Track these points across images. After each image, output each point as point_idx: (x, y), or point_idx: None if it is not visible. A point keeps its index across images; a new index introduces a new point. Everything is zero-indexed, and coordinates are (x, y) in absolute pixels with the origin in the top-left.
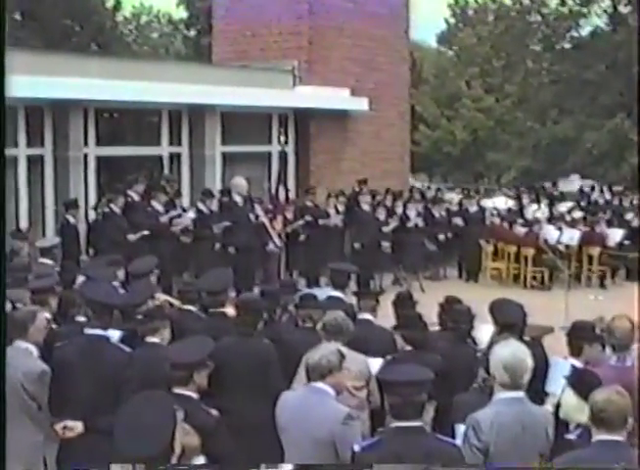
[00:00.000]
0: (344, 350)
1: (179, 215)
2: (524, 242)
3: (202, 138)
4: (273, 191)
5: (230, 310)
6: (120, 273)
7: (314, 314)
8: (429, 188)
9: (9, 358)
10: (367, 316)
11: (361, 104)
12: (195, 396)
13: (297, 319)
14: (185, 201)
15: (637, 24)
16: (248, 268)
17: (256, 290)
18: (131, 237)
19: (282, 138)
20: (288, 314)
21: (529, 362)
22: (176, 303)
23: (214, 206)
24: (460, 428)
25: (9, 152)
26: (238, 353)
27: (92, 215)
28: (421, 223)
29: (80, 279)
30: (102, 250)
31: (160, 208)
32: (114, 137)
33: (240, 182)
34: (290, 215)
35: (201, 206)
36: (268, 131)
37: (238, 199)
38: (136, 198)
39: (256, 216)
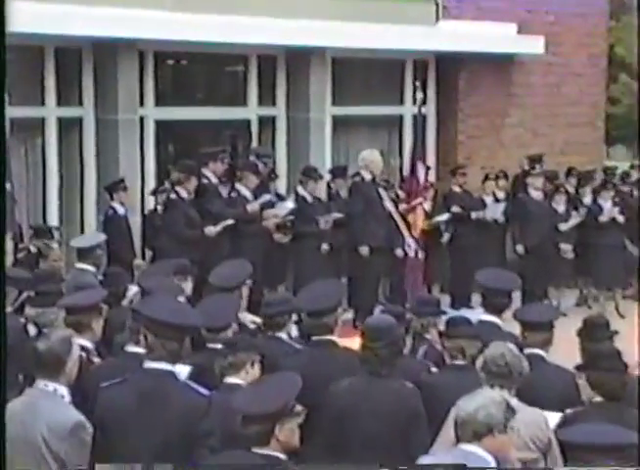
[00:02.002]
0: (514, 401)
1: (273, 204)
2: None
3: (305, 95)
4: (406, 171)
5: (353, 340)
6: (188, 285)
7: (467, 347)
8: (632, 168)
9: (27, 404)
10: (538, 352)
11: (533, 45)
12: (282, 456)
13: (443, 353)
14: (281, 184)
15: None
16: (369, 279)
17: (378, 310)
18: (210, 230)
19: (418, 95)
20: (426, 345)
21: None
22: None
23: (320, 191)
24: None
25: (36, 112)
26: (365, 401)
27: (150, 203)
28: (620, 218)
29: (133, 292)
30: (164, 251)
31: (247, 193)
32: (182, 94)
33: (372, 156)
34: (428, 206)
35: (302, 191)
36: (399, 86)
37: (367, 178)
38: (213, 180)
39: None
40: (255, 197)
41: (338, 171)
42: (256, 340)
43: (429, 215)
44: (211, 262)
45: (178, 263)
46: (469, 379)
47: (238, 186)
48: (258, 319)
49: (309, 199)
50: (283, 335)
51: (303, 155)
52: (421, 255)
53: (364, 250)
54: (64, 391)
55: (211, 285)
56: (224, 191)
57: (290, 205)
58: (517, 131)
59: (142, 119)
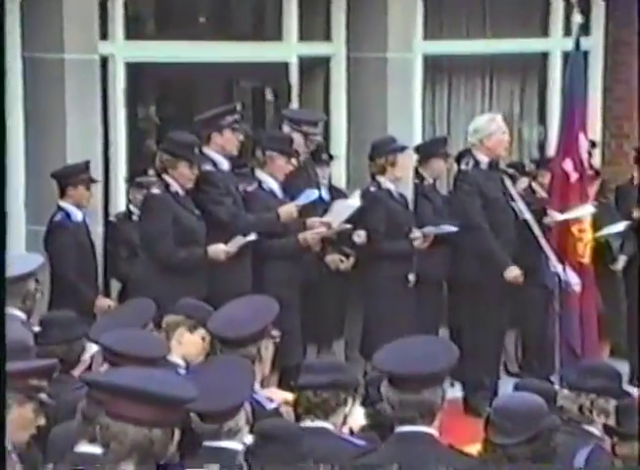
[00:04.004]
0: None
1: (324, 207)
2: None
3: (378, 25)
4: (553, 150)
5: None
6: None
7: None
8: None
9: None
10: None
11: None
12: None
13: (615, 462)
14: (338, 171)
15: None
16: (488, 332)
17: (508, 383)
18: (217, 250)
19: (575, 19)
20: (591, 445)
21: None
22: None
23: (407, 182)
24: None
25: None
26: None
27: (119, 203)
28: None
29: (91, 353)
30: (141, 283)
31: (276, 187)
32: (171, 21)
33: (493, 125)
34: (591, 208)
35: (379, 182)
36: (539, 6)
37: (483, 161)
38: (223, 164)
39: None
40: (290, 195)
41: (431, 148)
42: (292, 434)
43: (595, 225)
44: (219, 302)
45: (142, 303)
46: None
47: (261, 175)
48: (290, 396)
49: (394, 195)
50: (329, 425)
51: (376, 120)
52: (580, 289)
53: (478, 282)
54: None
55: (214, 338)
56: (240, 184)
57: (353, 204)
58: None
59: (104, 60)
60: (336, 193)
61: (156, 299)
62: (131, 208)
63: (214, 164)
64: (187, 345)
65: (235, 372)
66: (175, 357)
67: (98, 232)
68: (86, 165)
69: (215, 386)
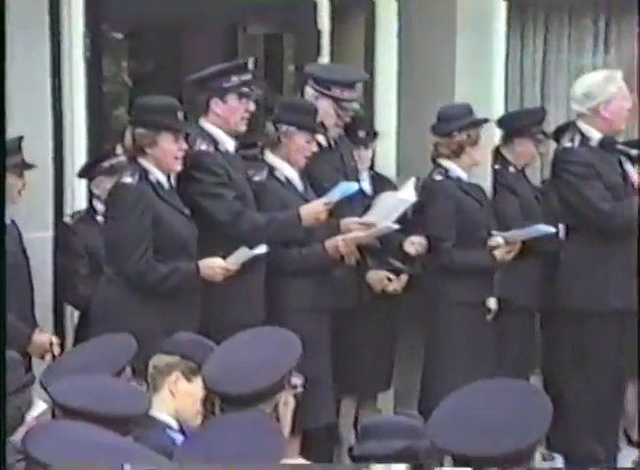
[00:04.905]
0: None
1: (361, 194)
2: None
3: None
4: None
5: None
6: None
7: None
8: None
9: None
10: None
11: None
12: None
13: None
14: (385, 152)
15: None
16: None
17: None
18: (212, 265)
19: None
20: None
21: None
22: None
23: (486, 168)
24: None
25: None
26: None
27: (77, 200)
28: None
29: (37, 414)
30: (109, 309)
31: (294, 175)
32: None
33: (610, 87)
34: None
35: (446, 168)
36: None
37: (594, 138)
38: (227, 143)
39: None
40: (315, 187)
41: (520, 122)
42: None
43: None
44: (217, 338)
45: (120, 340)
46: None
47: (273, 159)
48: None
49: (467, 186)
50: None
51: (439, 81)
52: None
53: (588, 311)
54: None
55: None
56: (249, 170)
57: (406, 199)
58: None
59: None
60: (381, 184)
61: (130, 332)
62: (94, 203)
63: (214, 142)
64: (183, 397)
65: (256, 438)
66: (164, 415)
67: (45, 239)
68: (19, 143)
69: (227, 458)
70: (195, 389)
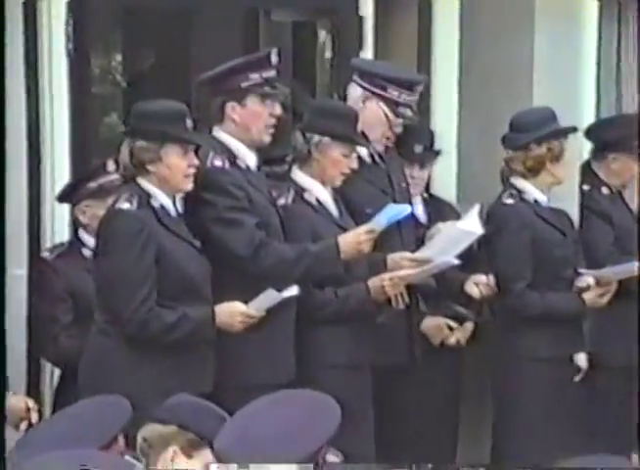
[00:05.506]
0: None
1: (414, 220)
2: None
3: None
4: None
5: None
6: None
7: None
8: None
9: None
10: None
11: None
12: None
13: None
14: (445, 170)
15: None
16: None
17: None
18: (231, 310)
19: None
20: None
21: None
22: None
23: (573, 186)
24: None
25: None
26: None
27: (59, 230)
28: None
29: None
30: (101, 367)
31: (328, 198)
32: None
33: None
34: None
35: (510, 201)
36: None
37: None
38: (249, 159)
39: None
40: (356, 213)
41: (616, 133)
42: None
43: None
44: (235, 402)
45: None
46: None
47: (302, 178)
48: None
49: (546, 212)
50: None
51: (514, 82)
52: None
53: None
54: None
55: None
56: (274, 191)
57: (470, 230)
58: None
59: None
60: (438, 209)
61: (127, 395)
62: (80, 234)
63: (231, 157)
64: None
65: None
66: None
67: (17, 276)
68: None
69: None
70: (195, 466)
